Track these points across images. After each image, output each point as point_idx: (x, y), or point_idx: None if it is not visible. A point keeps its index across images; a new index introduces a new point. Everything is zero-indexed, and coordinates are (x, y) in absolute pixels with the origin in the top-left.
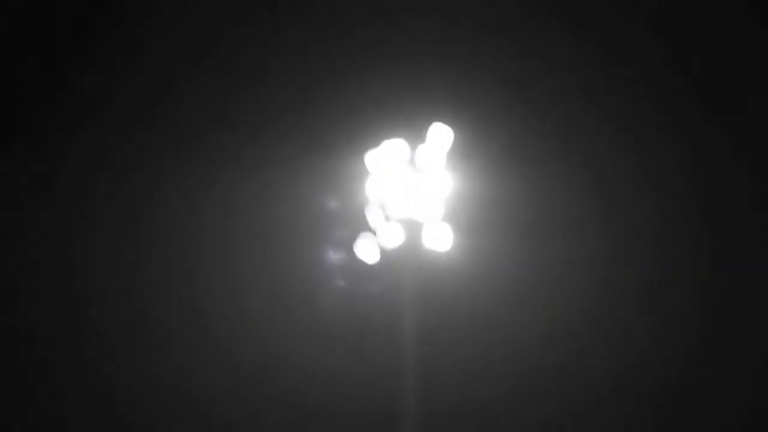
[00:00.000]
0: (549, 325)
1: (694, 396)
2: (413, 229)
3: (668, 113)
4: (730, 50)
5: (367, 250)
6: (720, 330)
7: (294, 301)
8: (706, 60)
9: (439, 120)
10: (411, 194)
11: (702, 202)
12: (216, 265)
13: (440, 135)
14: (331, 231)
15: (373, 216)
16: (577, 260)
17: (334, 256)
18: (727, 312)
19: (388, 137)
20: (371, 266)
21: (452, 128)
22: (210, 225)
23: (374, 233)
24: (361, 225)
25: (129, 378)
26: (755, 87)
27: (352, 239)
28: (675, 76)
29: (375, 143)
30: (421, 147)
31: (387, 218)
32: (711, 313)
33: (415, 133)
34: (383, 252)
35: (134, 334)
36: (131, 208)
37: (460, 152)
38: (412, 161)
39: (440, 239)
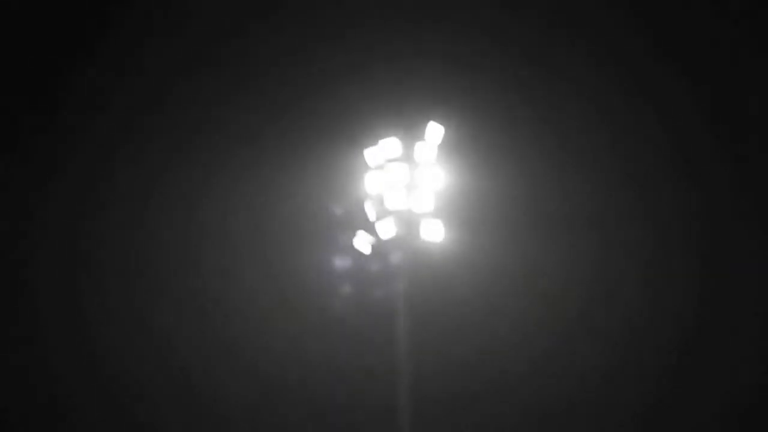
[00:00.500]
0: (540, 317)
1: (683, 395)
2: (408, 221)
3: (662, 113)
4: (727, 53)
5: (364, 242)
6: (713, 327)
7: (292, 292)
8: (702, 63)
9: (433, 118)
10: (407, 188)
11: (696, 200)
12: (216, 261)
13: (434, 133)
14: (330, 223)
15: (370, 208)
16: (569, 254)
17: (332, 248)
18: (720, 310)
19: (386, 135)
20: (368, 256)
21: (446, 126)
22: (210, 220)
23: (371, 225)
24: (359, 217)
25: (129, 377)
26: (753, 87)
27: (350, 231)
28: (671, 76)
29: (373, 140)
30: (416, 144)
31: (384, 211)
32: (704, 309)
33: (411, 131)
34: (380, 243)
35: (135, 334)
36: (131, 208)
37: (454, 149)
38: (408, 157)
39: (434, 231)
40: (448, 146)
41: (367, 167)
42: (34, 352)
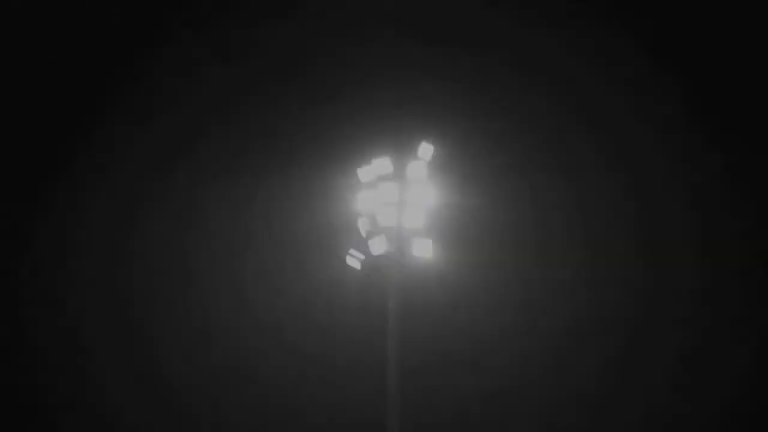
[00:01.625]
0: (531, 332)
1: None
2: (399, 237)
3: (655, 124)
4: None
5: (355, 258)
6: (711, 327)
7: (283, 308)
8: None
9: (424, 137)
10: (398, 206)
11: (688, 209)
12: (206, 273)
13: (425, 151)
14: (322, 239)
15: (362, 225)
16: (560, 270)
17: (324, 264)
18: (717, 310)
19: (378, 154)
20: (359, 272)
21: (437, 145)
22: (199, 232)
23: (363, 241)
24: (351, 234)
25: (124, 378)
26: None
27: (342, 247)
28: (659, 86)
29: (365, 159)
30: (407, 163)
31: (376, 227)
32: (700, 316)
33: (403, 150)
34: (371, 259)
35: (131, 334)
36: (130, 210)
37: (444, 167)
38: (399, 176)
39: (424, 248)
40: (438, 164)
41: (359, 185)
42: (30, 352)
